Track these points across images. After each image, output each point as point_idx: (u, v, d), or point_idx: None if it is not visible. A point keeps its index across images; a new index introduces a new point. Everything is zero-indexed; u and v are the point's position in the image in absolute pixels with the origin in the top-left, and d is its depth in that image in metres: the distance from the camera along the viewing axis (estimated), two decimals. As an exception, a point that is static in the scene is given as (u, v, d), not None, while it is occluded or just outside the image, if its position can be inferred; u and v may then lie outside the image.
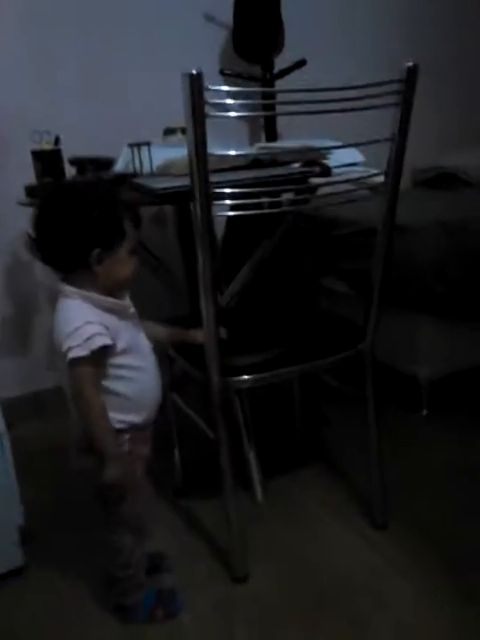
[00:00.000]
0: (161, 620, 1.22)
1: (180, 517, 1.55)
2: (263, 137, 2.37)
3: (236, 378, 1.25)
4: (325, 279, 2.10)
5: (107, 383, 1.05)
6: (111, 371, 1.05)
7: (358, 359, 1.39)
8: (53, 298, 2.16)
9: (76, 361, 0.97)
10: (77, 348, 0.96)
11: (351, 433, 1.80)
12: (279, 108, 1.38)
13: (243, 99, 1.08)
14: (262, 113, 1.73)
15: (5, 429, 1.30)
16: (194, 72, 0.95)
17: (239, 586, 1.31)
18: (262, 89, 2.01)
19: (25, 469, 1.46)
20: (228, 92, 1.03)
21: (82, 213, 0.98)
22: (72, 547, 1.47)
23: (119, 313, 1.05)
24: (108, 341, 1.00)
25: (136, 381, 1.09)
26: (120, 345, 1.04)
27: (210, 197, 1.05)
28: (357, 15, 2.52)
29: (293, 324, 1.51)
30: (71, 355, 0.97)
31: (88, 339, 0.97)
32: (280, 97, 1.10)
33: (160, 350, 1.28)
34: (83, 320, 0.98)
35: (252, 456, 1.64)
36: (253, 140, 2.42)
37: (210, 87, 0.96)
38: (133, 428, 1.10)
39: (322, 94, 1.08)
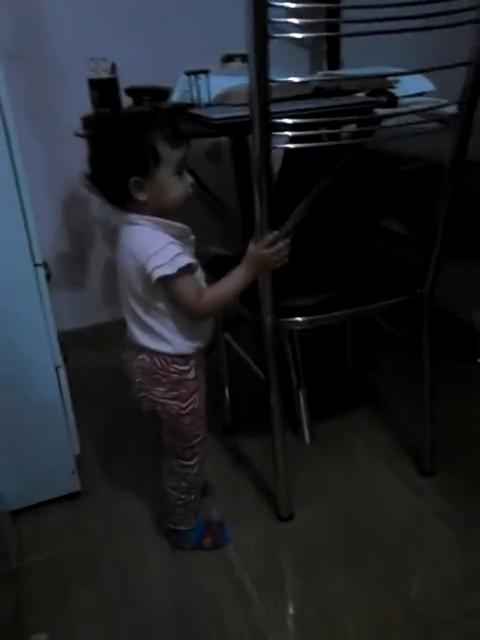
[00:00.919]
0: (207, 549, 1.26)
1: (228, 454, 1.58)
2: (325, 65, 2.24)
3: (290, 319, 1.23)
4: (383, 219, 2.01)
5: (168, 304, 1.05)
6: None
7: (416, 304, 1.33)
8: (109, 233, 2.20)
9: (167, 279, 0.98)
10: (165, 267, 0.96)
11: (403, 378, 1.79)
12: (346, 28, 1.27)
13: (309, 17, 0.99)
14: (329, 34, 1.61)
15: (62, 361, 1.32)
16: (256, -13, 0.87)
17: (284, 523, 1.33)
18: (330, 5, 1.86)
19: (81, 400, 1.50)
20: (293, 9, 0.94)
21: (112, 144, 0.99)
22: (126, 474, 1.52)
23: (183, 239, 1.03)
24: (191, 260, 1.01)
25: None
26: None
27: (269, 128, 0.99)
28: None
29: (350, 264, 1.45)
30: (159, 273, 0.97)
31: (173, 257, 0.97)
32: (349, 15, 1.01)
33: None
34: (165, 241, 0.98)
35: (301, 397, 1.64)
36: (314, 68, 2.29)
37: (275, 3, 0.89)
38: (197, 353, 1.12)
39: (396, 10, 0.98)
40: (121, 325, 2.18)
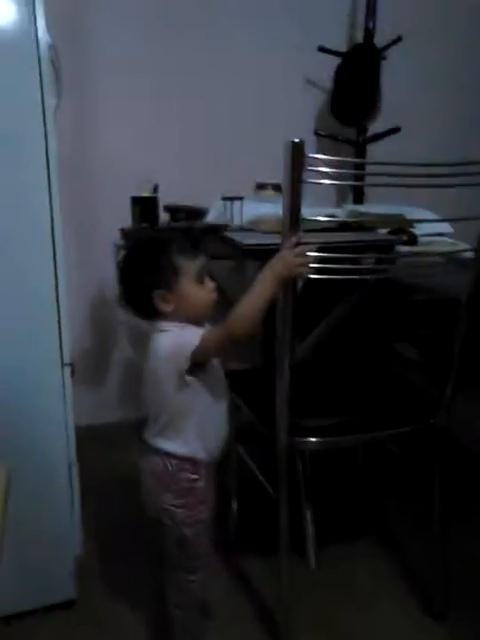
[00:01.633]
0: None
1: (230, 572, 1.53)
2: (351, 197, 2.40)
3: (304, 439, 1.25)
4: (398, 345, 2.07)
5: (200, 401, 1.08)
6: (205, 387, 1.08)
7: (429, 433, 1.35)
8: (132, 335, 2.27)
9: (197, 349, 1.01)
10: (189, 347, 1.01)
11: (414, 507, 1.75)
12: (372, 179, 1.41)
13: (339, 167, 1.10)
14: (356, 183, 1.76)
15: (75, 459, 1.34)
16: (296, 140, 0.99)
17: (284, 655, 1.27)
18: (358, 160, 2.06)
19: (86, 498, 1.49)
20: (326, 160, 1.06)
21: (134, 265, 1.09)
22: (124, 584, 1.47)
23: None
24: (198, 334, 1.03)
25: (220, 405, 1.13)
26: (210, 365, 1.10)
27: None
28: (456, 88, 2.55)
29: (365, 388, 1.49)
30: (188, 352, 1.01)
31: (193, 335, 1.02)
32: (374, 168, 1.12)
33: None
34: (194, 328, 1.05)
35: (308, 519, 1.61)
36: (340, 200, 2.46)
37: (310, 155, 1.00)
38: (208, 462, 1.12)
39: (416, 169, 1.09)
40: (133, 427, 2.19)
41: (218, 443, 1.15)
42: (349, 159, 1.11)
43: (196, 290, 1.07)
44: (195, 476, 1.11)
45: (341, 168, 1.17)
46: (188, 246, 1.07)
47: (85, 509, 1.44)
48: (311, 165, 1.04)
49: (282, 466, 1.25)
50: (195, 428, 1.09)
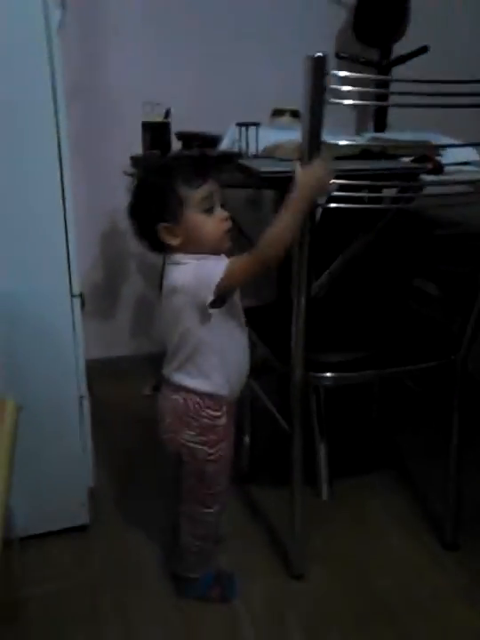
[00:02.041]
0: (215, 601, 1.23)
1: (243, 502, 1.55)
2: (371, 125, 2.29)
3: (320, 374, 1.22)
4: (418, 280, 2.02)
5: (221, 337, 1.05)
6: (225, 323, 1.05)
7: (449, 369, 1.32)
8: (143, 268, 2.24)
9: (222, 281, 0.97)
10: (213, 278, 0.97)
11: (429, 442, 1.75)
12: (399, 99, 1.31)
13: (365, 87, 1.02)
14: (381, 103, 1.66)
15: (86, 392, 1.33)
16: (318, 54, 0.91)
17: (295, 582, 1.29)
18: (386, 78, 1.93)
19: (98, 432, 1.49)
20: (351, 78, 0.98)
21: (139, 197, 1.04)
22: (137, 512, 1.50)
23: None
24: (223, 265, 0.98)
25: (240, 341, 1.10)
26: (232, 298, 1.06)
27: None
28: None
29: (383, 323, 1.45)
30: (211, 284, 0.96)
31: (215, 266, 0.97)
32: (400, 87, 1.04)
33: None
34: (215, 259, 1.00)
35: (322, 451, 1.61)
36: (360, 127, 2.34)
37: (333, 72, 0.92)
38: (230, 399, 1.11)
39: (446, 87, 1.01)
40: (144, 360, 2.19)
41: (240, 378, 1.13)
42: (375, 76, 1.03)
43: (204, 220, 1.00)
44: (217, 413, 1.09)
45: (366, 88, 1.09)
46: (192, 174, 0.99)
47: (98, 442, 1.45)
48: (333, 85, 0.96)
49: (296, 401, 1.24)
50: (217, 364, 1.07)
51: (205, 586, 1.23)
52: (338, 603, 1.24)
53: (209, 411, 1.08)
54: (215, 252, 1.02)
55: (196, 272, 0.99)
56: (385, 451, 1.79)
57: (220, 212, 1.02)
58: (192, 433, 1.09)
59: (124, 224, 2.19)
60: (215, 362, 1.07)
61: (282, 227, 0.97)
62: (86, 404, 1.34)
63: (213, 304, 0.99)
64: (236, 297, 1.09)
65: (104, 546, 1.40)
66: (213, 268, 0.98)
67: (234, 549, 1.36)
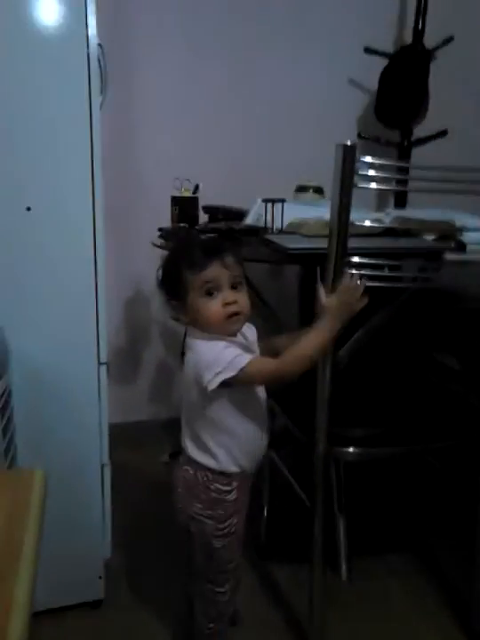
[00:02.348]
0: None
1: (260, 579, 1.51)
2: (392, 202, 2.35)
3: (343, 449, 1.21)
4: (438, 354, 2.01)
5: (229, 421, 1.05)
6: (235, 403, 1.05)
7: (473, 447, 1.30)
8: (165, 334, 2.26)
9: (234, 379, 0.97)
10: (226, 371, 0.96)
11: (453, 523, 1.70)
12: (420, 185, 1.37)
13: (391, 172, 1.07)
14: (403, 189, 1.71)
15: (108, 460, 1.33)
16: (348, 143, 0.96)
17: (314, 669, 1.23)
18: (412, 165, 2.01)
19: (115, 499, 1.47)
20: (377, 164, 1.02)
21: (159, 273, 1.08)
22: (151, 585, 1.46)
23: (243, 348, 1.04)
24: (248, 358, 0.98)
25: (252, 422, 1.08)
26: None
27: (345, 263, 1.04)
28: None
29: (406, 398, 1.45)
30: (220, 378, 0.96)
31: (232, 360, 0.97)
32: (423, 173, 1.08)
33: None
34: (221, 346, 0.99)
35: (341, 528, 1.57)
36: (381, 203, 2.41)
37: (361, 159, 0.97)
38: (242, 474, 1.09)
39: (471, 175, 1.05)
40: (163, 426, 2.18)
41: (251, 460, 1.10)
42: (401, 163, 1.08)
43: (205, 303, 1.01)
44: (226, 488, 1.08)
45: (392, 172, 1.13)
46: (197, 258, 1.01)
47: (115, 510, 1.43)
48: (361, 171, 1.01)
49: (319, 475, 1.22)
50: (223, 443, 1.06)
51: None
52: None
53: (217, 485, 1.07)
54: (223, 331, 1.02)
55: (202, 354, 1.00)
56: (406, 528, 1.73)
57: (224, 296, 1.01)
58: (200, 505, 1.08)
59: (148, 291, 2.26)
60: (222, 441, 1.06)
61: (310, 348, 0.99)
62: (108, 472, 1.33)
63: (219, 388, 0.98)
64: (258, 389, 1.09)
65: (119, 624, 1.35)
66: (218, 356, 0.98)
67: (250, 633, 1.31)
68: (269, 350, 1.09)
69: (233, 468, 1.07)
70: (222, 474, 1.07)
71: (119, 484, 1.59)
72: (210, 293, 1.01)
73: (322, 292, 1.04)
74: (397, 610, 1.42)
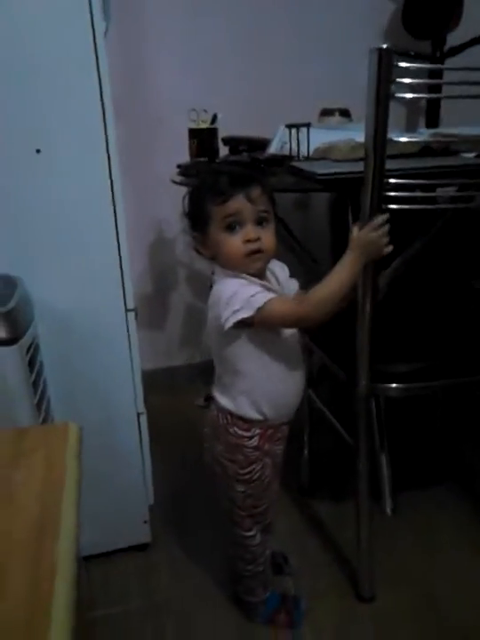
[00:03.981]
0: (282, 626, 1.17)
1: (304, 517, 1.50)
2: (422, 121, 2.20)
3: (386, 385, 1.16)
4: (476, 281, 1.92)
5: (249, 365, 0.99)
6: (256, 345, 0.98)
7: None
8: (192, 277, 2.21)
9: (251, 319, 0.91)
10: (242, 311, 0.90)
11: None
12: (456, 90, 1.24)
13: (429, 78, 0.96)
14: (447, 95, 1.57)
15: (144, 408, 1.30)
16: (384, 47, 0.85)
17: (364, 605, 1.23)
18: (451, 67, 1.84)
19: (153, 445, 1.45)
20: (413, 71, 0.91)
21: (186, 205, 1.01)
22: (198, 528, 1.47)
23: (267, 288, 0.97)
24: (268, 296, 0.92)
25: (278, 367, 1.01)
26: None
27: (383, 187, 0.95)
28: None
29: (447, 329, 1.37)
30: (236, 317, 0.90)
31: (249, 299, 0.91)
32: (456, 78, 0.97)
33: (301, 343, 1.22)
34: (237, 284, 0.93)
35: (384, 465, 1.54)
36: (410, 125, 2.26)
37: (399, 64, 0.86)
38: (266, 423, 1.04)
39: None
40: (197, 370, 2.16)
41: (277, 410, 1.04)
42: (441, 66, 0.96)
43: (225, 238, 0.94)
44: (245, 433, 1.03)
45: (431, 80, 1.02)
46: (220, 189, 0.93)
47: (155, 457, 1.42)
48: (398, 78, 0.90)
49: (361, 413, 1.18)
50: (244, 389, 1.01)
51: (271, 610, 1.19)
52: (410, 632, 1.17)
53: (236, 429, 1.03)
54: (242, 269, 0.95)
55: (221, 292, 0.94)
56: (450, 462, 1.70)
57: (246, 232, 0.94)
58: (221, 448, 1.05)
59: (172, 233, 2.19)
60: (243, 387, 1.01)
61: (334, 287, 0.93)
62: (144, 420, 1.31)
63: (237, 328, 0.92)
64: (286, 331, 1.02)
65: (167, 565, 1.37)
66: (236, 293, 0.91)
67: (296, 569, 1.31)
68: None
69: (253, 415, 1.02)
70: (241, 419, 1.02)
71: (157, 431, 1.58)
72: (232, 228, 0.94)
73: (355, 230, 0.97)
74: (444, 543, 1.40)
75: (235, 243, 0.94)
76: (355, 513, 1.22)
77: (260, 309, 0.90)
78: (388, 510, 1.52)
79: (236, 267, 0.95)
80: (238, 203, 0.92)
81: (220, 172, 0.98)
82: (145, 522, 1.37)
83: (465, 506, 1.51)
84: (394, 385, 1.17)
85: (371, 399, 1.28)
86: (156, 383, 2.12)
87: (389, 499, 1.52)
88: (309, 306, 0.93)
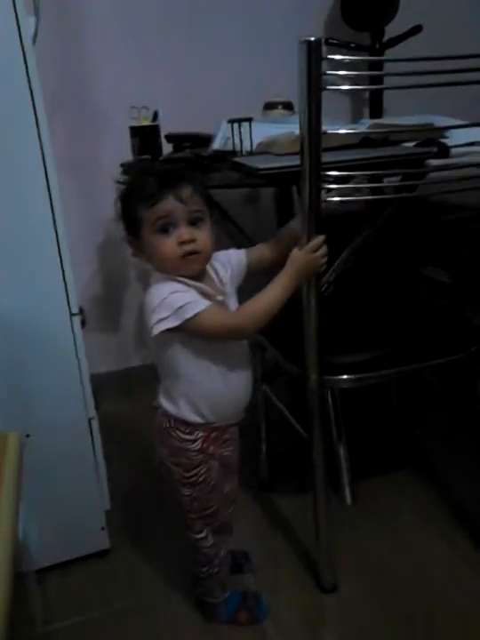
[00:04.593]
0: (244, 624, 1.17)
1: (265, 513, 1.50)
2: (366, 112, 2.22)
3: (337, 377, 1.16)
4: (425, 268, 1.95)
5: (185, 368, 0.98)
6: (192, 350, 0.96)
7: (469, 362, 1.26)
8: (143, 276, 2.18)
9: (180, 328, 0.90)
10: (169, 319, 0.89)
11: (451, 436, 1.69)
12: (397, 82, 1.25)
13: (362, 70, 0.96)
14: (384, 86, 1.58)
15: (95, 413, 1.28)
16: (312, 39, 0.85)
17: (326, 596, 1.23)
18: (383, 59, 1.85)
19: (110, 449, 1.43)
20: (346, 62, 0.92)
21: (119, 202, 0.98)
22: (156, 532, 1.45)
23: (205, 297, 0.94)
24: (200, 307, 0.90)
25: (219, 370, 0.99)
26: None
27: (321, 179, 0.95)
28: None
29: (397, 318, 1.39)
30: (162, 326, 0.89)
31: (177, 309, 0.89)
32: (396, 69, 0.98)
33: (251, 340, 1.21)
34: (168, 291, 0.91)
35: (342, 454, 1.55)
36: (355, 116, 2.28)
37: (328, 57, 0.86)
38: (209, 426, 1.02)
39: (445, 63, 0.95)
40: (150, 370, 2.13)
41: (219, 413, 1.02)
42: (371, 58, 0.96)
43: (158, 240, 0.91)
44: (188, 437, 1.01)
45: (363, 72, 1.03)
46: (150, 189, 0.90)
47: (111, 460, 1.39)
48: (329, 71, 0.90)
49: (314, 406, 1.18)
50: (182, 393, 0.99)
51: (231, 609, 1.18)
52: (374, 617, 1.18)
53: (179, 433, 1.01)
54: (178, 272, 0.93)
55: (150, 296, 0.93)
56: (406, 448, 1.72)
57: (179, 233, 0.91)
58: (166, 451, 1.04)
59: (120, 233, 2.15)
60: (182, 390, 1.00)
61: (268, 302, 0.95)
62: (96, 425, 1.29)
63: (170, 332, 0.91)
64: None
65: (127, 571, 1.34)
66: (164, 300, 0.90)
67: (258, 565, 1.31)
68: (259, 262, 1.07)
69: (194, 418, 1.00)
70: (183, 422, 1.01)
71: (114, 433, 1.56)
72: (165, 230, 0.91)
73: (295, 249, 0.99)
74: (404, 529, 1.42)
75: (168, 245, 0.91)
76: (313, 505, 1.23)
77: (188, 320, 0.89)
78: (348, 499, 1.53)
79: (171, 270, 0.93)
80: (169, 204, 0.90)
81: (148, 172, 0.96)
82: (102, 528, 1.35)
83: (424, 490, 1.53)
84: (345, 376, 1.18)
85: (324, 392, 1.28)
86: (112, 385, 2.09)
87: (348, 488, 1.53)
88: (242, 319, 0.95)
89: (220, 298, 0.98)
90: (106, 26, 1.92)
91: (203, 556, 1.12)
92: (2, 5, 1.01)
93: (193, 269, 0.94)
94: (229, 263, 1.04)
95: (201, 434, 1.02)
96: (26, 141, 1.08)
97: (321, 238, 0.99)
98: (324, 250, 1.00)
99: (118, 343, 2.25)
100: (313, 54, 0.85)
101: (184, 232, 0.91)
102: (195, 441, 1.02)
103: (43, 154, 1.09)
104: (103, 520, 1.35)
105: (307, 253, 0.98)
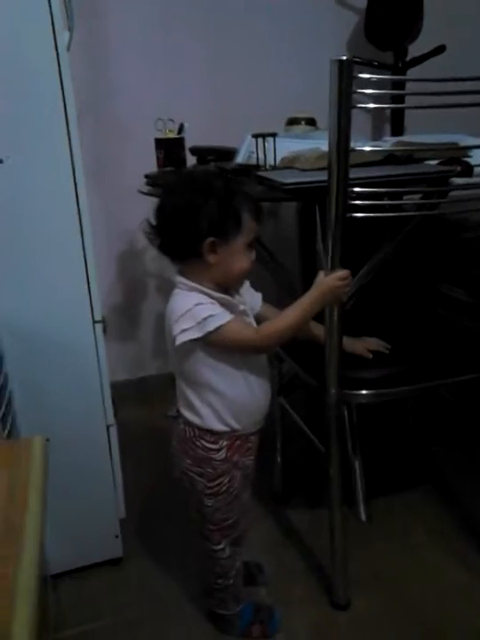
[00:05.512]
0: (256, 638, 1.17)
1: (278, 526, 1.49)
2: (388, 129, 2.24)
3: (356, 392, 1.16)
4: (444, 285, 1.95)
5: (209, 377, 0.99)
6: (215, 359, 0.98)
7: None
8: (162, 286, 2.20)
9: (203, 339, 0.92)
10: (192, 330, 0.91)
11: (468, 453, 1.68)
12: (418, 100, 1.26)
13: (390, 89, 0.97)
14: (409, 106, 1.59)
15: (114, 420, 1.29)
16: (343, 58, 0.86)
17: (339, 612, 1.23)
18: (409, 78, 1.87)
19: (125, 457, 1.43)
20: (374, 80, 0.93)
21: (198, 201, 0.92)
22: (171, 541, 1.45)
23: (228, 307, 0.97)
24: (225, 319, 0.92)
25: (241, 379, 1.01)
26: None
27: (348, 195, 0.96)
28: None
29: (415, 335, 1.39)
30: (184, 337, 0.91)
31: (202, 321, 0.91)
32: (420, 88, 0.99)
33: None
34: (193, 302, 0.93)
35: (358, 470, 1.55)
36: (376, 133, 2.29)
37: (359, 75, 0.87)
38: (233, 434, 1.03)
39: (469, 84, 0.96)
40: (169, 380, 2.14)
41: (242, 421, 1.03)
42: (400, 77, 0.98)
43: (246, 254, 0.97)
44: (213, 446, 1.02)
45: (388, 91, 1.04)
46: (254, 207, 0.96)
47: (127, 468, 1.40)
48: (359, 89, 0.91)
49: (332, 420, 1.18)
50: (206, 402, 1.00)
51: (244, 622, 1.17)
52: (387, 635, 1.17)
53: (204, 442, 1.02)
54: (227, 285, 0.99)
55: (175, 304, 0.95)
56: (422, 465, 1.71)
57: (254, 255, 0.99)
58: (189, 462, 1.04)
59: (141, 244, 2.17)
60: (205, 398, 1.00)
61: (290, 322, 0.98)
62: (114, 432, 1.29)
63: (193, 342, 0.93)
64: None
65: (140, 580, 1.34)
66: (189, 310, 0.92)
67: (272, 578, 1.30)
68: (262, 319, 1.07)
69: (219, 427, 1.01)
70: (208, 431, 1.02)
71: (130, 442, 1.56)
72: (251, 246, 0.98)
73: (321, 274, 1.03)
74: (419, 547, 1.40)
75: (248, 262, 0.97)
76: (328, 520, 1.22)
77: (210, 333, 0.91)
78: (363, 516, 1.52)
79: (232, 282, 1.00)
80: (259, 225, 0.98)
81: (245, 190, 1.00)
82: (116, 536, 1.35)
83: (439, 507, 1.52)
84: (364, 391, 1.18)
85: (342, 406, 1.28)
86: (129, 394, 2.11)
87: (363, 505, 1.53)
88: (263, 336, 0.97)
89: (242, 307, 1.00)
90: (134, 40, 1.96)
91: (219, 567, 1.12)
92: (40, 17, 1.03)
93: (241, 285, 1.03)
94: (248, 291, 1.08)
95: (225, 442, 1.02)
96: (57, 152, 1.10)
97: (347, 271, 1.02)
98: (349, 280, 1.03)
99: (136, 352, 2.27)
100: (344, 73, 0.86)
101: (254, 254, 0.99)
102: (220, 450, 1.02)
103: (73, 164, 1.12)
104: (118, 528, 1.36)
105: (333, 280, 1.01)
